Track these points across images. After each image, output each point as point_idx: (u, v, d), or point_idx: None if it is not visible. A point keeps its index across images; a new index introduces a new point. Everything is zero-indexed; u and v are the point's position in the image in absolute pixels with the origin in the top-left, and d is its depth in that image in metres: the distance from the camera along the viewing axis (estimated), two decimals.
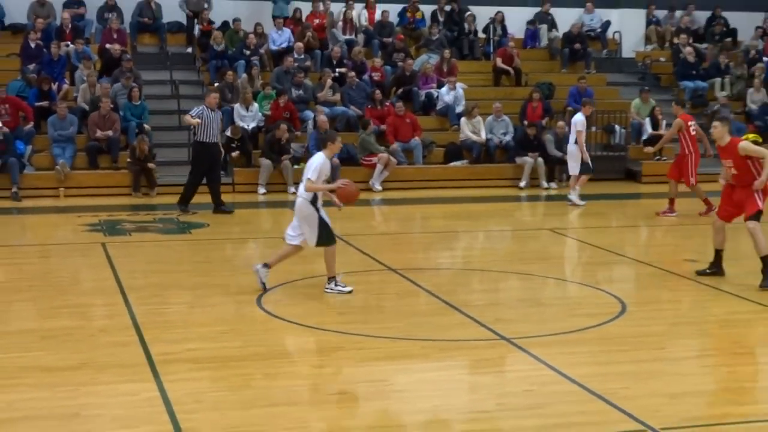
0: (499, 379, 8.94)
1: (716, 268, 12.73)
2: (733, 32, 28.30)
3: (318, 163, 11.54)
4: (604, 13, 27.48)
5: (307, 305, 11.32)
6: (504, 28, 26.37)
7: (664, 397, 8.19)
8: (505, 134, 22.55)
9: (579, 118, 19.16)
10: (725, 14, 27.99)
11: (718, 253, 12.75)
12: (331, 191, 11.75)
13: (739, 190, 12.33)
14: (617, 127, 23.52)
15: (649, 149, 19.66)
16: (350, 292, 11.72)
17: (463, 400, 8.34)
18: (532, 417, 7.78)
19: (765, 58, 26.40)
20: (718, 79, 25.63)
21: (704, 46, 26.85)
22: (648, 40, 27.92)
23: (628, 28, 27.60)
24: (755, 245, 12.14)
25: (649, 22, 28.08)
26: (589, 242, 15.57)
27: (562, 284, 12.85)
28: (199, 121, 17.47)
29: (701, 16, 28.20)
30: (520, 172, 21.82)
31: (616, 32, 27.39)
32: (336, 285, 11.77)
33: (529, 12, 27.25)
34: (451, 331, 10.33)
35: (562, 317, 10.99)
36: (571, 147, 19.35)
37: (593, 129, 23.11)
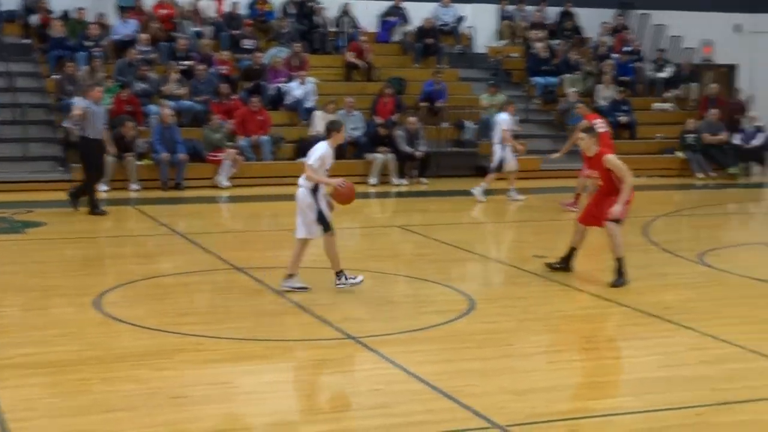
0: (346, 378, 8.97)
1: (565, 264, 13.02)
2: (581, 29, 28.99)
3: (321, 151, 11.53)
4: (457, 8, 27.77)
5: (148, 306, 11.16)
6: (355, 22, 26.45)
7: (511, 394, 8.34)
8: (356, 129, 22.62)
9: (504, 117, 19.67)
10: (575, 10, 28.62)
11: (572, 251, 13.04)
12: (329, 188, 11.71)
13: (607, 200, 12.58)
14: (468, 123, 23.81)
15: (556, 155, 19.89)
16: (361, 281, 11.88)
17: (309, 401, 8.36)
18: (378, 416, 7.82)
19: (614, 55, 27.10)
20: (568, 75, 26.19)
21: (555, 42, 27.41)
22: (500, 35, 28.36)
23: (481, 24, 27.99)
24: (612, 246, 12.45)
25: (501, 18, 28.52)
26: (439, 239, 15.73)
27: (412, 282, 12.96)
28: (80, 112, 17.02)
29: (552, 12, 28.78)
30: (370, 168, 21.91)
31: (469, 27, 27.73)
32: (346, 279, 11.83)
33: (381, 5, 27.37)
34: (297, 330, 10.33)
35: (410, 315, 11.09)
36: (496, 146, 19.77)
37: (444, 125, 23.40)
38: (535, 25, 27.83)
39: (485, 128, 23.72)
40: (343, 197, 11.83)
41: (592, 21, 28.61)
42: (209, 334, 10.02)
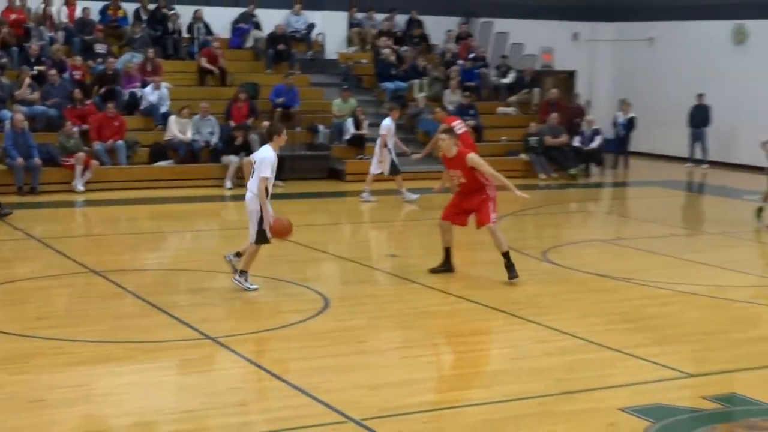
0: (205, 378, 8.92)
1: (447, 265, 13.12)
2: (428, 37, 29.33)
3: (270, 158, 11.52)
4: (307, 15, 27.79)
5: (4, 312, 10.90)
6: (208, 28, 26.25)
7: (365, 389, 8.43)
8: (211, 134, 22.47)
9: (386, 123, 19.91)
10: (422, 18, 28.91)
11: (447, 251, 13.16)
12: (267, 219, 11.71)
13: (470, 198, 12.78)
14: (320, 127, 23.88)
15: (417, 156, 19.95)
16: (256, 289, 11.85)
17: (169, 401, 8.29)
18: (237, 414, 7.83)
19: (460, 61, 27.49)
20: (416, 81, 26.47)
21: (404, 48, 27.65)
22: (350, 42, 28.49)
23: (331, 31, 28.04)
24: (496, 243, 12.64)
25: (351, 25, 28.65)
26: (294, 240, 15.67)
27: (268, 282, 12.90)
28: None
29: (401, 20, 29.01)
30: (226, 171, 21.78)
31: (319, 34, 27.79)
32: (246, 280, 11.86)
33: (234, 12, 27.20)
34: (156, 332, 10.23)
35: (267, 315, 11.11)
36: (377, 149, 19.94)
37: (298, 129, 23.41)
38: (384, 33, 28.04)
39: (338, 132, 23.83)
40: (280, 231, 11.82)
41: (438, 29, 28.94)
42: (67, 337, 9.85)
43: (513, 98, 27.30)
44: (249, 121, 22.96)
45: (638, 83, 29.64)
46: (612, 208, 22.05)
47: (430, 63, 27.26)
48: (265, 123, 22.22)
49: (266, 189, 11.72)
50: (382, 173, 19.99)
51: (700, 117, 26.79)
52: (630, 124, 26.55)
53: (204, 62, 24.94)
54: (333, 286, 12.99)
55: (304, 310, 11.11)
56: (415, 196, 19.73)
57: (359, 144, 23.55)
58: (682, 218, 19.64)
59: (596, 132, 25.32)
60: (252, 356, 9.28)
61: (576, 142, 25.06)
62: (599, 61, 31.08)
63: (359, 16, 28.57)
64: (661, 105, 28.52)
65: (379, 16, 28.76)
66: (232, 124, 22.59)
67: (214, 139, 22.38)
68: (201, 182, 21.72)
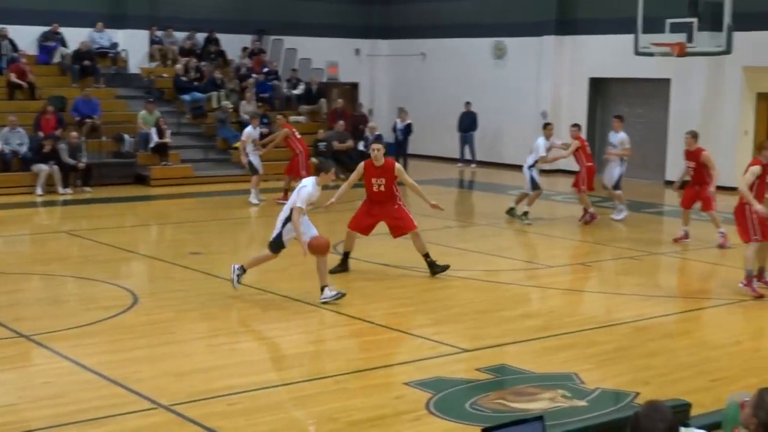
0: (19, 374, 8.53)
1: (344, 267, 12.90)
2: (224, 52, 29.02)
3: (309, 191, 10.76)
4: (112, 33, 27.02)
5: None
6: (14, 45, 25.15)
7: (173, 377, 8.25)
8: (21, 145, 21.56)
9: (246, 130, 20.08)
10: (219, 36, 28.55)
11: (347, 255, 12.93)
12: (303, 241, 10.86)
13: (383, 206, 12.71)
14: (126, 136, 23.28)
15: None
16: (236, 287, 11.32)
17: None
18: (51, 406, 7.52)
19: (254, 75, 27.31)
20: (214, 93, 26.12)
21: (202, 63, 27.24)
22: (152, 57, 27.86)
23: (134, 47, 27.32)
24: (419, 247, 12.66)
25: (152, 42, 28.01)
26: (104, 242, 15.21)
27: (79, 281, 12.47)
28: None
29: (200, 37, 28.57)
30: (36, 179, 20.93)
31: (123, 50, 27.06)
32: (239, 276, 11.36)
33: (38, 30, 26.14)
34: None
35: (79, 312, 10.70)
36: (251, 155, 19.90)
37: (104, 138, 22.78)
38: (183, 50, 27.59)
39: (143, 141, 23.25)
40: (317, 248, 10.97)
41: (233, 45, 28.64)
42: None
43: (303, 107, 27.31)
44: (57, 131, 22.15)
45: (414, 93, 30.16)
46: None
47: (226, 77, 26.98)
48: (73, 133, 21.56)
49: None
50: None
51: (468, 122, 27.49)
52: (407, 129, 26.93)
53: (13, 77, 23.90)
54: (141, 283, 12.65)
55: (115, 306, 10.77)
56: (257, 200, 19.55)
57: (163, 151, 23.08)
58: (455, 212, 20.04)
59: (378, 137, 25.52)
60: (65, 351, 8.92)
61: (361, 146, 25.25)
62: (379, 74, 31.47)
63: (159, 33, 27.99)
64: (434, 112, 29.10)
65: (179, 34, 28.25)
66: (41, 134, 21.74)
67: (24, 149, 21.49)
68: (12, 190, 20.76)
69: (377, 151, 12.62)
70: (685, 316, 11.30)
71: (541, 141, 17.52)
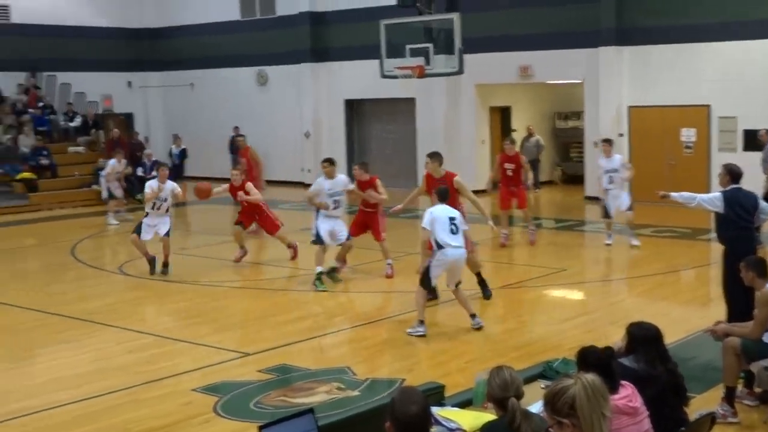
0: None
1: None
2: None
3: (431, 215, 9.83)
4: None
5: None
6: None
7: None
8: None
9: (111, 163, 20.58)
10: None
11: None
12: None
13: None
14: None
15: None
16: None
17: None
18: None
19: (30, 110, 26.12)
20: None
21: None
22: None
23: None
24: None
25: None
26: None
27: None
28: None
29: None
30: None
31: None
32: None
33: None
34: None
35: None
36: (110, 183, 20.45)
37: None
38: None
39: None
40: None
41: (7, 83, 27.21)
42: None
43: (81, 139, 26.33)
44: None
45: (186, 120, 29.67)
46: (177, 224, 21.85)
47: (2, 113, 25.63)
48: None
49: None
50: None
51: (236, 145, 27.26)
52: (183, 154, 26.41)
53: None
54: None
55: None
56: (116, 222, 19.79)
57: None
58: (230, 227, 19.82)
59: (155, 163, 24.94)
60: None
61: (139, 171, 24.58)
62: (152, 104, 30.77)
63: None
64: (206, 137, 28.74)
65: None
66: None
67: None
68: None
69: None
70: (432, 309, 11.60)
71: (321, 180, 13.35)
